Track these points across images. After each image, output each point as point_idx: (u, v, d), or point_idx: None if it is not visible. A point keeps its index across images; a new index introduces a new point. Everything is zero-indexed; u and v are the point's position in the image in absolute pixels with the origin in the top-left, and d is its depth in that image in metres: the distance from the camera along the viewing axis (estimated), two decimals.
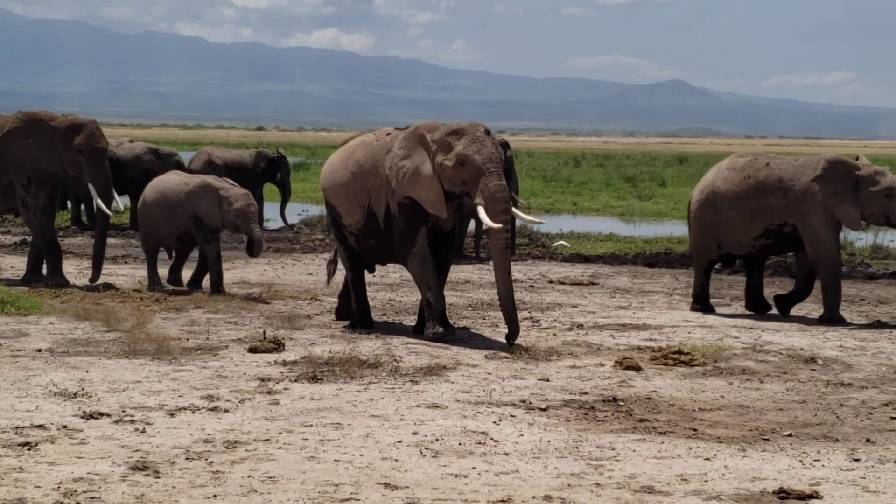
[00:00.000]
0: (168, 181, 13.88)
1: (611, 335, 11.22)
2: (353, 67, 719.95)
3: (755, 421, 7.76)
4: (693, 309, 13.09)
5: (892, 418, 7.88)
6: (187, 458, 6.47)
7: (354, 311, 11.48)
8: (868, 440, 7.26)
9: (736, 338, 11.15)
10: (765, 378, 9.26)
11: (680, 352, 9.95)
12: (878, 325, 12.14)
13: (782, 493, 6.01)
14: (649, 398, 8.40)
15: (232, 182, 13.69)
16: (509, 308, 10.37)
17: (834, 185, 12.21)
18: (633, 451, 6.89)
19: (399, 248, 10.91)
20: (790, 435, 7.36)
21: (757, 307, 13.06)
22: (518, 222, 10.82)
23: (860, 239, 20.73)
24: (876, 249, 19.44)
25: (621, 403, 8.20)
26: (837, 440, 7.25)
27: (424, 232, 10.75)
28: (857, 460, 6.75)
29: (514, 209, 10.90)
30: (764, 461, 6.72)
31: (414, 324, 11.23)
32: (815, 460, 6.75)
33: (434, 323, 10.67)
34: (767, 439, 7.24)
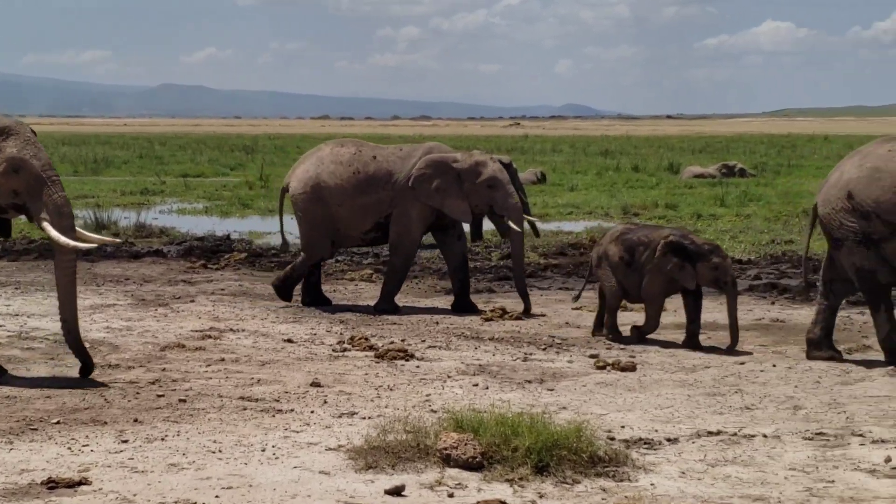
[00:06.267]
0: None
1: None
2: None
3: (23, 411, 7.58)
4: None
5: (159, 396, 8.07)
6: None
7: None
8: (136, 420, 7.38)
9: (1, 326, 10.83)
10: (32, 365, 9.09)
11: None
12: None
13: (51, 483, 5.93)
14: None
15: None
16: (79, 343, 8.68)
17: (435, 182, 12.25)
18: None
19: None
20: (59, 422, 7.28)
21: (317, 302, 12.71)
22: None
23: (126, 218, 21.04)
24: (139, 228, 19.76)
25: None
26: (106, 423, 7.30)
27: None
28: (125, 441, 6.84)
29: (84, 232, 9.03)
30: (32, 452, 6.59)
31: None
32: (84, 446, 6.74)
33: None
34: (35, 429, 7.12)
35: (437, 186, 12.26)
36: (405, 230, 12.45)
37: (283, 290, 12.80)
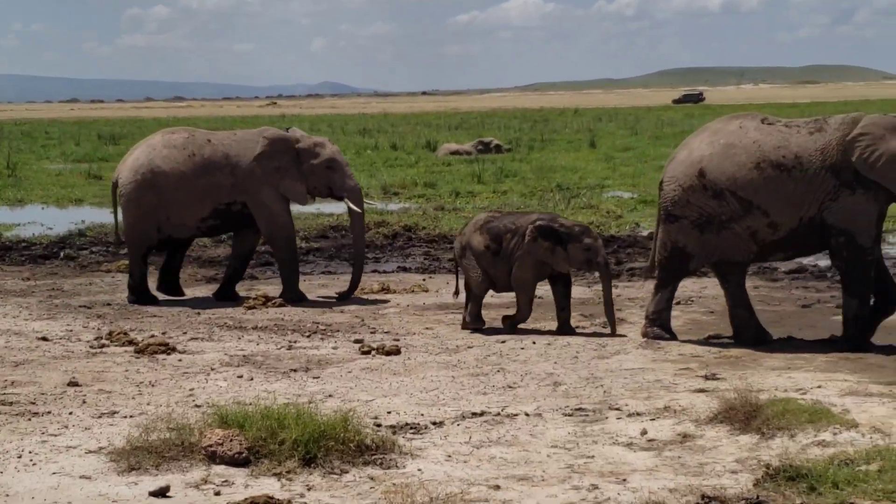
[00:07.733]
0: None
1: None
2: None
3: None
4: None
5: None
6: None
7: None
8: None
9: None
10: None
11: None
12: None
13: None
14: None
15: None
16: None
17: (276, 161, 12.07)
18: None
19: None
20: None
21: (170, 291, 12.49)
22: None
23: None
24: None
25: None
26: None
27: None
28: None
29: None
30: None
31: None
32: None
33: None
34: None
35: (276, 166, 12.16)
36: (270, 218, 12.21)
37: (139, 296, 12.15)
